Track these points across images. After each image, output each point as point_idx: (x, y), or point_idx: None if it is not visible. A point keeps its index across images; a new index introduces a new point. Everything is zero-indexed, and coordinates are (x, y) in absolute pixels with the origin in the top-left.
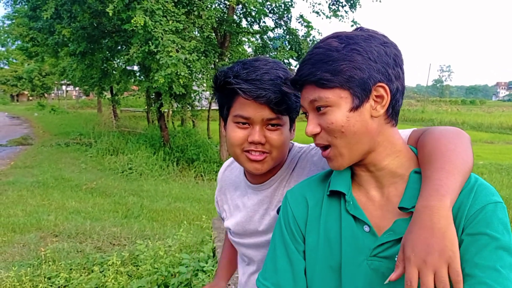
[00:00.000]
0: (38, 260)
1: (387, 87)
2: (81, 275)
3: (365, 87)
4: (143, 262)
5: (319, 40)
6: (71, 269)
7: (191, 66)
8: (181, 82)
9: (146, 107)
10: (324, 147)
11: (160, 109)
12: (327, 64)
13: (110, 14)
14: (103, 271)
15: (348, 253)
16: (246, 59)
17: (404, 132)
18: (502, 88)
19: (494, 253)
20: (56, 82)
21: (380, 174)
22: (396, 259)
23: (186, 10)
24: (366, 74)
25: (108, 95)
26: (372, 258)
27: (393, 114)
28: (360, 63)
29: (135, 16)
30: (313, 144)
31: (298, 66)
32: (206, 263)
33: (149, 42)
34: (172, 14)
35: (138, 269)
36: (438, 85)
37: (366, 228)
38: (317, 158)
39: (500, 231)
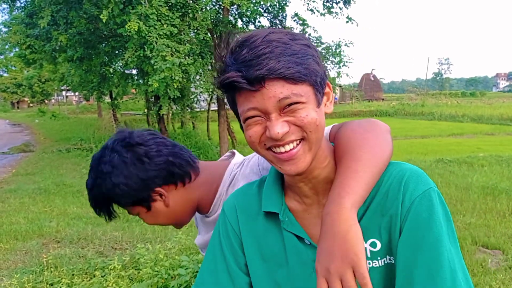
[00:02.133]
0: (40, 266)
1: (330, 84)
2: (83, 280)
3: (322, 83)
4: (143, 265)
5: (249, 38)
6: (73, 275)
7: (186, 69)
8: (176, 86)
9: (145, 110)
10: (294, 145)
11: (159, 112)
12: (294, 57)
13: (104, 20)
14: (104, 275)
15: (295, 267)
16: None
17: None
18: (502, 79)
19: (429, 249)
20: (55, 88)
21: (315, 181)
22: None
23: (180, 13)
24: (321, 69)
25: (108, 99)
26: None
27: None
28: (316, 58)
29: (129, 21)
30: (246, 159)
31: (245, 61)
32: None
33: (144, 46)
34: (167, 18)
35: (139, 272)
36: (437, 78)
37: (307, 241)
38: (249, 171)
39: (425, 227)
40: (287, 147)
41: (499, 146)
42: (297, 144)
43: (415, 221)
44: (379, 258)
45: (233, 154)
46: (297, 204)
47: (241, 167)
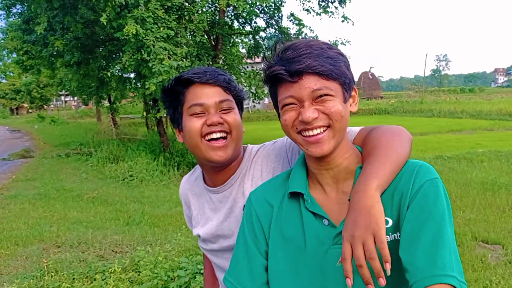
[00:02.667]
0: (40, 271)
1: (356, 90)
2: (83, 284)
3: (351, 86)
4: (143, 268)
5: (288, 44)
6: (73, 279)
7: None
8: None
9: (144, 114)
10: (321, 131)
11: (157, 115)
12: (330, 59)
13: (105, 23)
14: (105, 278)
15: (313, 246)
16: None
17: (352, 130)
18: (500, 74)
19: (435, 222)
20: (54, 94)
21: (337, 170)
22: None
23: (177, 16)
24: (351, 74)
25: (107, 104)
26: (334, 246)
27: None
28: (347, 64)
29: (127, 25)
30: (267, 143)
31: (288, 59)
32: None
33: (141, 50)
34: (163, 21)
35: (139, 275)
36: (436, 75)
37: (325, 222)
38: (274, 156)
39: (432, 203)
40: (315, 131)
41: (498, 142)
42: (324, 131)
43: (423, 199)
44: (390, 233)
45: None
46: (318, 192)
47: (261, 149)
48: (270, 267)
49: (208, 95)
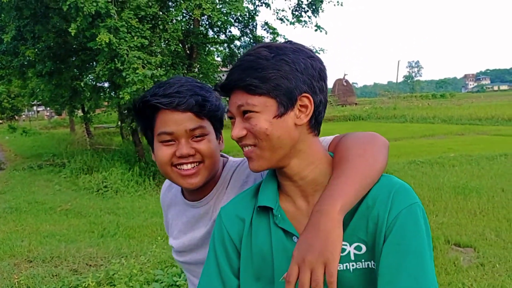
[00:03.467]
0: None
1: (311, 98)
2: None
3: (291, 96)
4: (118, 281)
5: (249, 49)
6: None
7: (159, 81)
8: None
9: (119, 123)
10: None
11: (132, 125)
12: (257, 71)
13: (73, 34)
14: None
15: (280, 264)
16: (160, 82)
17: (326, 139)
18: (470, 80)
19: (415, 257)
20: (26, 104)
21: (303, 183)
22: None
23: (151, 25)
24: (292, 84)
25: (80, 113)
26: None
27: (315, 124)
28: (287, 73)
29: (99, 34)
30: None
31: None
32: (180, 277)
33: (115, 59)
34: (137, 30)
35: None
36: (408, 81)
37: (295, 239)
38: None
39: (411, 236)
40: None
41: (469, 146)
42: (251, 146)
43: (401, 230)
44: (363, 260)
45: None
46: (289, 204)
47: (240, 165)
48: (241, 283)
49: (177, 122)
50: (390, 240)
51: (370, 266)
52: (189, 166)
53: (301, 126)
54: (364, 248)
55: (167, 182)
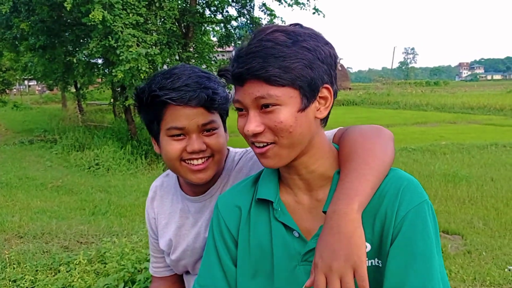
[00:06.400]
0: (2, 263)
1: (331, 89)
2: (47, 276)
3: (314, 88)
4: (109, 259)
5: (258, 31)
6: (36, 271)
7: (153, 59)
8: (142, 77)
9: (111, 100)
10: (264, 145)
11: (125, 103)
12: (279, 60)
13: (68, 8)
14: (69, 270)
15: (280, 259)
16: (163, 70)
17: (328, 133)
18: (464, 68)
19: (422, 260)
20: (18, 78)
21: (310, 177)
22: None
23: (147, 2)
24: (316, 73)
25: (73, 89)
26: (303, 263)
27: (328, 116)
28: (311, 62)
29: (93, 11)
30: (249, 148)
31: (238, 57)
32: None
33: (109, 36)
34: (132, 7)
35: (105, 266)
36: (403, 67)
37: (296, 234)
38: (253, 162)
39: (419, 237)
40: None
41: (461, 135)
42: (268, 144)
43: (409, 231)
44: (367, 258)
45: None
46: (290, 197)
47: (244, 155)
48: (240, 276)
49: (189, 117)
50: (398, 242)
51: (374, 264)
52: (200, 161)
53: (318, 119)
54: (369, 246)
55: (157, 182)
